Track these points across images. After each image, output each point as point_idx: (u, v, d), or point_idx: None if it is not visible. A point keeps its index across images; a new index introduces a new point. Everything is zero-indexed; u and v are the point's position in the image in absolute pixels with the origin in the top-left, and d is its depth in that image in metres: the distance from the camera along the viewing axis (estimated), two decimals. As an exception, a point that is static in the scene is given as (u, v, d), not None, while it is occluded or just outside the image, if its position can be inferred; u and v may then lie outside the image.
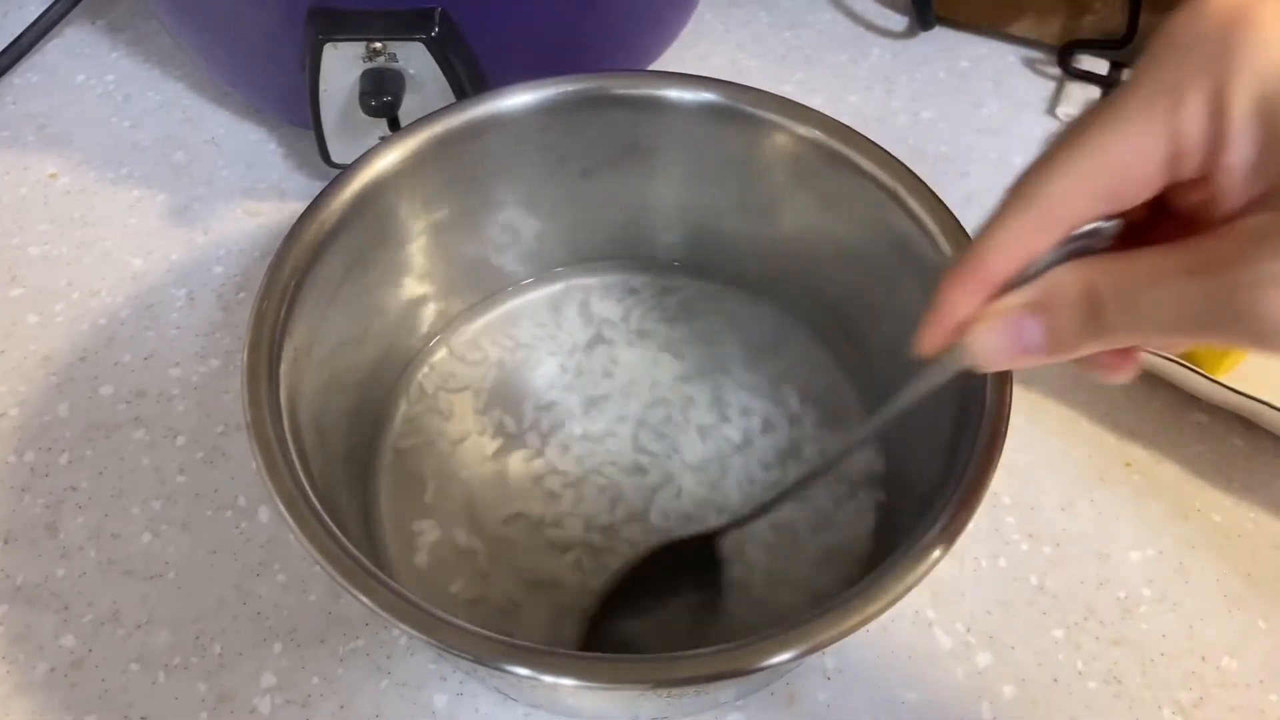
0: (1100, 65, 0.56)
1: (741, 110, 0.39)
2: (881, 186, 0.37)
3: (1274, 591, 0.40)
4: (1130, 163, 0.23)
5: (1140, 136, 0.23)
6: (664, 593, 0.38)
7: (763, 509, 0.38)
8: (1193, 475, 0.43)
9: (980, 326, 0.25)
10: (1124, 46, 0.56)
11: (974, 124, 0.55)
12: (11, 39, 0.56)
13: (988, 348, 0.25)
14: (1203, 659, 0.38)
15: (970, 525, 0.30)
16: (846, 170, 0.38)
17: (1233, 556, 0.41)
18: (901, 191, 0.37)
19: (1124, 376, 0.27)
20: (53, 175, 0.53)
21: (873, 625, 0.29)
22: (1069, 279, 0.24)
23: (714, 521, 0.39)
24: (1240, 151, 0.22)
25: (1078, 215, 0.24)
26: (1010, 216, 0.24)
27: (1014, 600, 0.40)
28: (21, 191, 0.52)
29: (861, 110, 0.56)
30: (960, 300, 0.26)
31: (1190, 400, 0.44)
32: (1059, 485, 0.43)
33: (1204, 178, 0.23)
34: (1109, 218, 0.24)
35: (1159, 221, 0.25)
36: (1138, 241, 0.24)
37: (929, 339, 0.27)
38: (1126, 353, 0.27)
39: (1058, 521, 0.42)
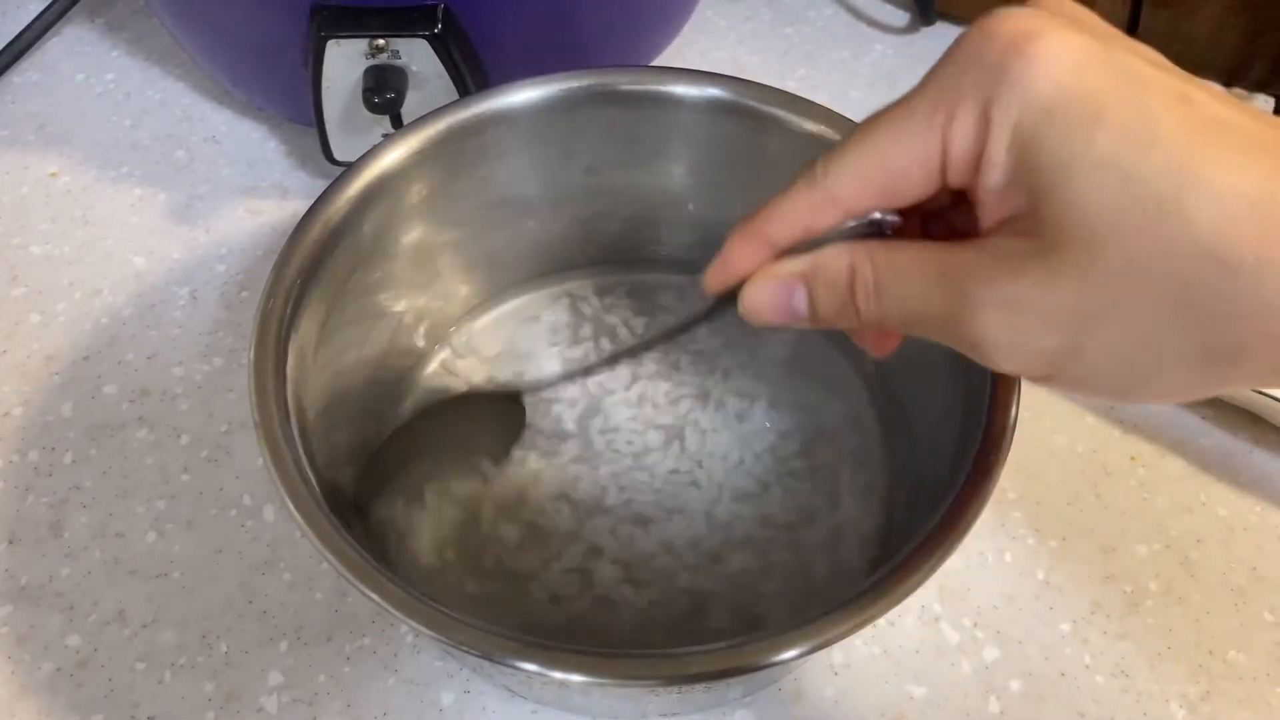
0: (1102, 60, 0.56)
1: (747, 106, 0.39)
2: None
3: (1280, 585, 0.40)
4: (904, 165, 0.24)
5: (914, 141, 0.24)
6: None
7: (613, 359, 0.40)
8: (1198, 469, 0.43)
9: (753, 282, 0.27)
10: (1125, 41, 0.55)
11: (976, 119, 0.55)
12: (11, 38, 0.56)
13: (756, 302, 0.27)
14: (1210, 653, 0.38)
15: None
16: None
17: (1238, 550, 0.41)
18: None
19: (881, 353, 0.29)
20: (53, 174, 0.53)
21: (880, 621, 0.29)
22: (836, 257, 0.25)
23: (706, 520, 0.39)
24: (995, 173, 0.23)
25: (854, 205, 0.25)
26: (796, 192, 0.26)
27: (1020, 595, 0.40)
28: (22, 191, 0.52)
29: (864, 106, 0.56)
30: (741, 254, 0.27)
31: (1195, 394, 0.44)
32: (1064, 480, 0.43)
33: (970, 189, 0.24)
34: (887, 211, 0.25)
35: (950, 217, 0.26)
36: (930, 230, 0.26)
37: (711, 279, 0.28)
38: (888, 333, 0.29)
39: (1064, 516, 0.42)
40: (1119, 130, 0.21)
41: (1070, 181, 0.21)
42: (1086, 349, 0.22)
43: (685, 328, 0.32)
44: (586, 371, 0.41)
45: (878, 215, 0.25)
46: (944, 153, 0.23)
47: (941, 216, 0.27)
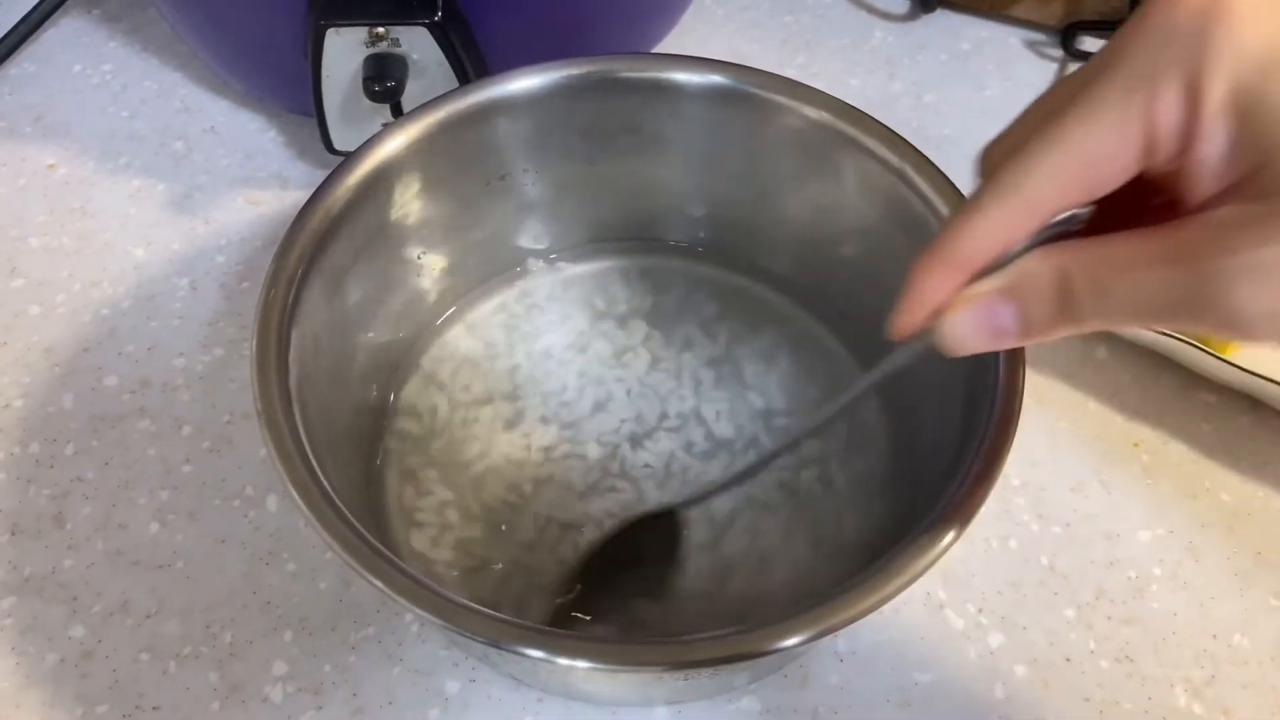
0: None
1: (749, 93, 0.39)
2: (890, 168, 0.37)
3: (1284, 569, 0.40)
4: (1106, 154, 0.23)
5: (1116, 128, 0.23)
6: (629, 568, 0.38)
7: (724, 485, 0.38)
8: (1201, 455, 0.43)
9: (955, 311, 0.25)
10: (1126, 27, 0.55)
11: (977, 106, 0.55)
12: (7, 29, 0.56)
13: (961, 332, 0.26)
14: (1214, 637, 0.38)
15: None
16: (855, 151, 0.38)
17: (1242, 535, 0.41)
18: (910, 172, 0.37)
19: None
20: (51, 166, 0.52)
21: (885, 607, 0.29)
22: (1042, 265, 0.24)
23: (711, 505, 0.39)
24: (1214, 142, 0.22)
25: (1054, 206, 0.24)
26: (987, 207, 0.25)
27: (1025, 581, 0.40)
28: (20, 183, 0.52)
29: (864, 94, 0.56)
30: (935, 285, 0.26)
31: (1198, 380, 0.44)
32: (1068, 466, 0.43)
33: (1178, 166, 0.23)
34: (1083, 205, 0.24)
35: (1133, 205, 0.25)
36: (1111, 225, 0.24)
37: (903, 322, 0.27)
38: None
39: (1067, 502, 0.42)
40: None
41: None
42: None
43: (867, 389, 0.32)
44: (742, 478, 0.38)
45: (1071, 214, 0.24)
46: (1148, 134, 0.23)
47: (1111, 215, 0.25)
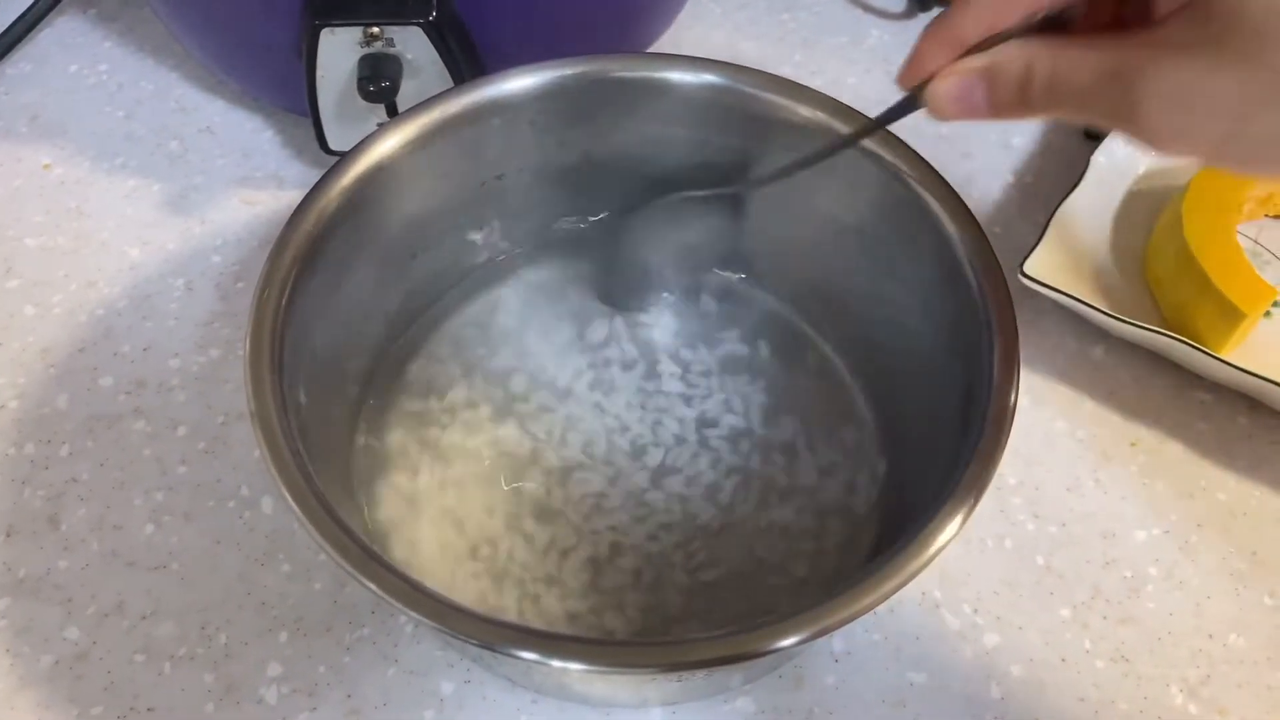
0: (1100, 44, 0.56)
1: (744, 92, 0.39)
2: (885, 166, 0.37)
3: (1279, 568, 0.40)
4: None
5: None
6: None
7: (778, 174, 0.38)
8: (1197, 454, 0.43)
9: (939, 80, 0.29)
10: (1123, 25, 0.55)
11: (974, 105, 0.55)
12: (2, 29, 0.56)
13: (942, 96, 0.29)
14: (1210, 636, 0.38)
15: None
16: (849, 150, 0.38)
17: (1238, 534, 0.41)
18: (905, 171, 0.37)
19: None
20: (47, 166, 0.52)
21: (880, 607, 0.29)
22: (1014, 55, 0.27)
23: (707, 508, 0.39)
24: None
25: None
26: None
27: (1021, 580, 0.40)
28: (16, 183, 0.52)
29: (861, 92, 0.55)
30: (932, 52, 0.29)
31: (1194, 379, 0.44)
32: (1064, 465, 0.43)
33: None
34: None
35: (1115, 13, 0.28)
36: (1098, 27, 0.28)
37: (904, 76, 0.31)
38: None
39: (1064, 501, 0.42)
40: None
41: None
42: (1249, 134, 0.24)
43: (860, 136, 0.35)
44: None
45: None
46: None
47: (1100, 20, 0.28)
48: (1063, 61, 0.26)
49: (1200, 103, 0.24)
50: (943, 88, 0.29)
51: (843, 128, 0.38)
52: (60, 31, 0.58)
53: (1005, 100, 0.28)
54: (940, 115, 0.30)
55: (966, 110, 0.29)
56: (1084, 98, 0.26)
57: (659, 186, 0.40)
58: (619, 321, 0.44)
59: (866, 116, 0.38)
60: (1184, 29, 0.24)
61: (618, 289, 0.43)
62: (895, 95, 0.30)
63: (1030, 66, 0.27)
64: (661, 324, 0.44)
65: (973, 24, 0.29)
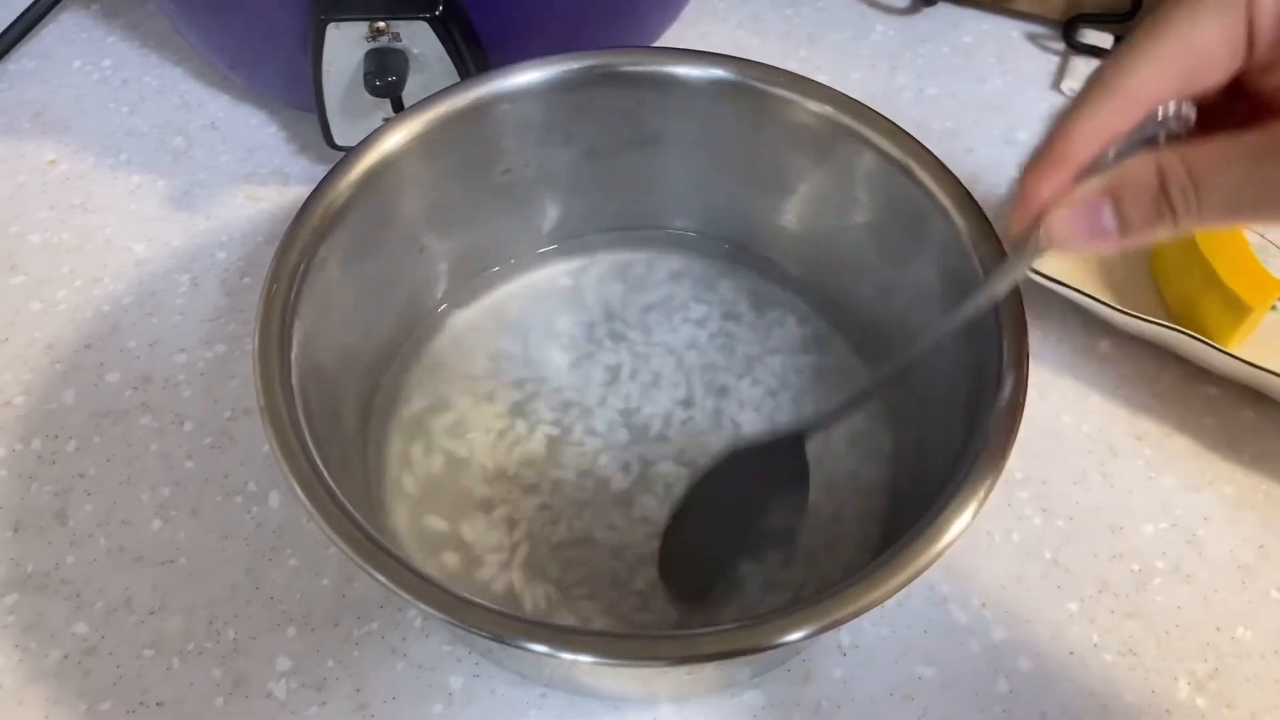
0: (1105, 39, 0.56)
1: (751, 86, 0.39)
2: (893, 161, 0.37)
3: (1287, 562, 0.40)
4: (1207, 45, 0.24)
5: (1215, 18, 0.24)
6: (738, 508, 0.38)
7: (844, 410, 0.37)
8: (1204, 448, 0.43)
9: (1058, 209, 0.26)
10: (1128, 20, 0.55)
11: (979, 100, 0.55)
12: (6, 24, 0.56)
13: (1063, 230, 0.26)
14: (1217, 630, 0.38)
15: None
16: (858, 145, 0.38)
17: (1245, 528, 0.41)
18: (914, 165, 0.37)
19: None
20: (51, 162, 0.52)
21: (888, 601, 0.29)
22: (1142, 165, 0.25)
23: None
24: None
25: (1156, 96, 0.25)
26: (1092, 102, 0.26)
27: (1028, 575, 0.40)
28: (20, 179, 0.52)
29: (866, 88, 0.56)
30: (1042, 184, 0.27)
31: (1200, 373, 0.44)
32: (1071, 459, 0.43)
33: (1277, 61, 0.24)
34: (1184, 101, 0.25)
35: (1237, 114, 0.25)
36: (1216, 130, 0.24)
37: (1016, 221, 0.28)
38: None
39: (1070, 495, 0.42)
40: None
41: None
42: None
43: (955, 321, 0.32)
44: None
45: (1173, 110, 0.25)
46: (1250, 21, 0.23)
47: (1217, 120, 0.26)
48: (1208, 158, 0.23)
49: None
50: (1063, 218, 0.26)
51: (850, 121, 0.38)
52: (64, 27, 0.58)
53: (1140, 217, 0.25)
54: (1063, 248, 0.27)
55: (1094, 238, 0.26)
56: (1244, 191, 0.23)
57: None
58: (626, 320, 0.44)
59: (873, 110, 0.38)
60: None
61: (681, 574, 0.37)
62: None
63: (1165, 171, 0.24)
64: (677, 314, 0.44)
65: (1086, 135, 0.26)
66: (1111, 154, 0.26)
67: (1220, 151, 0.23)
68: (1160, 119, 0.25)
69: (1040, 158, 0.27)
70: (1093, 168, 0.26)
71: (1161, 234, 0.25)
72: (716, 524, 0.38)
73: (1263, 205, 0.23)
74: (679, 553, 0.37)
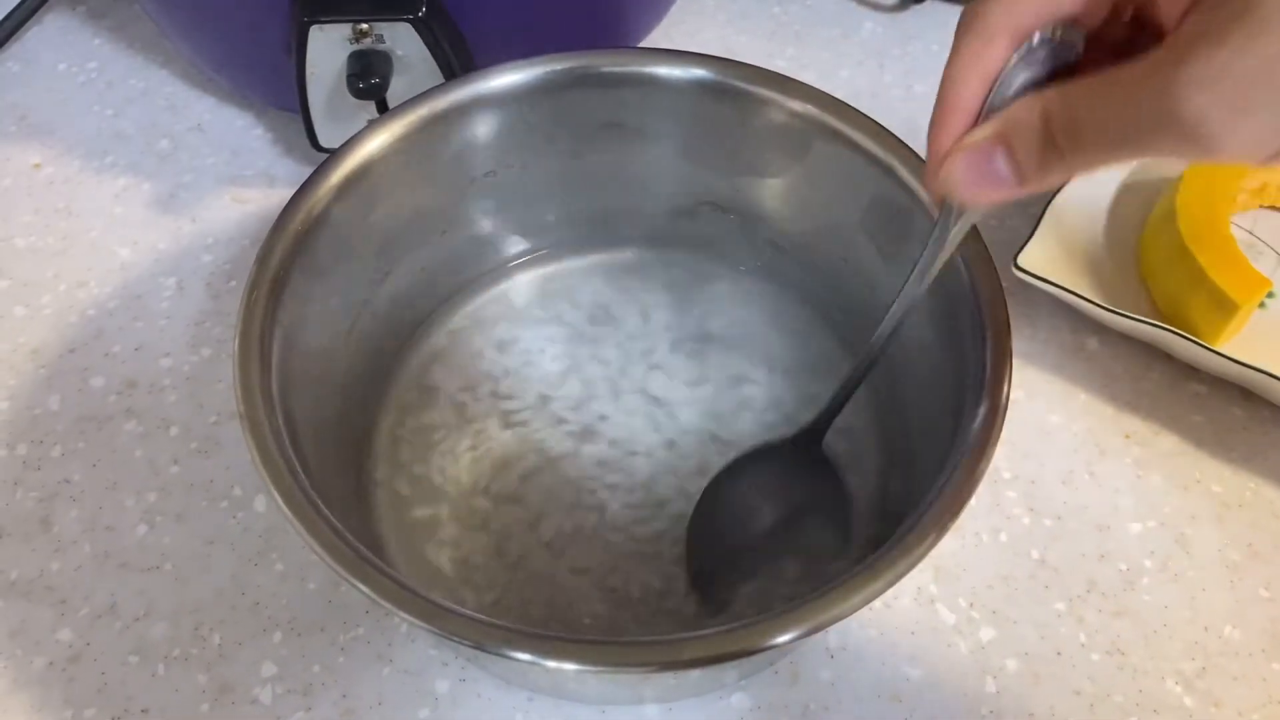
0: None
1: (733, 86, 0.39)
2: (876, 160, 0.37)
3: (1275, 560, 0.40)
4: None
5: None
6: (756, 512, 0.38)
7: (835, 408, 0.36)
8: (1192, 446, 0.43)
9: (951, 159, 0.25)
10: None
11: (967, 97, 0.55)
12: (-10, 27, 0.56)
13: (958, 179, 0.25)
14: (1205, 629, 0.38)
15: (971, 500, 0.30)
16: (840, 145, 0.37)
17: (1233, 526, 0.41)
18: (896, 165, 0.36)
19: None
20: (36, 165, 0.52)
21: (875, 603, 0.29)
22: (1026, 106, 0.24)
23: (690, 492, 0.39)
24: None
25: (1018, 26, 0.24)
26: (960, 43, 0.25)
27: (1016, 574, 0.40)
28: (4, 183, 0.52)
29: (854, 85, 0.55)
30: (942, 136, 0.25)
31: (1189, 371, 0.44)
32: (1058, 458, 0.42)
33: None
34: (1056, 28, 0.24)
35: (1144, 40, 0.24)
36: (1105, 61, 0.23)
37: (927, 179, 0.27)
38: None
39: (1058, 495, 0.41)
40: None
41: None
42: None
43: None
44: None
45: (1040, 39, 0.24)
46: None
47: (1112, 44, 0.25)
48: (1080, 93, 0.23)
49: (1244, 81, 0.20)
50: (957, 169, 0.25)
51: (832, 120, 0.37)
52: (48, 30, 0.58)
53: (1031, 161, 0.24)
54: (967, 202, 0.26)
55: (992, 185, 0.25)
56: (1118, 124, 0.22)
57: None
58: (617, 317, 0.44)
59: (856, 109, 0.37)
60: (1202, 18, 0.21)
61: (706, 575, 0.38)
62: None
63: (1047, 109, 0.23)
64: (661, 314, 0.44)
65: (963, 83, 0.25)
66: (1010, 94, 0.24)
67: (1097, 85, 0.22)
68: (1032, 48, 0.24)
69: (935, 115, 0.26)
70: (989, 114, 0.25)
71: (1056, 177, 0.24)
72: (746, 527, 0.38)
73: (1143, 138, 0.22)
74: (707, 555, 0.37)
